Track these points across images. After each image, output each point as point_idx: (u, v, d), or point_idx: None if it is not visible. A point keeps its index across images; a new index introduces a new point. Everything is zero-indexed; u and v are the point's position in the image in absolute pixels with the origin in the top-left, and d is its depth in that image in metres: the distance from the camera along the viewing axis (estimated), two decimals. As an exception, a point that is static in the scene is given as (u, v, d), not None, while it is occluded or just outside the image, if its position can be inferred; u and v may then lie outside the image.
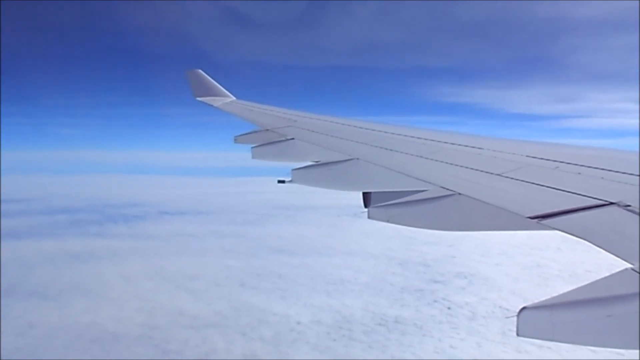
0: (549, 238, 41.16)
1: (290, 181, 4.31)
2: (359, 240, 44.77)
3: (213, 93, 8.53)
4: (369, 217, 3.20)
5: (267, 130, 5.94)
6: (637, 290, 1.73)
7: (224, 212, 63.52)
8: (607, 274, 1.92)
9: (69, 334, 24.51)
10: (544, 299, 1.83)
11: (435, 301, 29.33)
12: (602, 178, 3.07)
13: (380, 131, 5.49)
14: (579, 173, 3.23)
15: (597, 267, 32.90)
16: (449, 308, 28.19)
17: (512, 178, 3.28)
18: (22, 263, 37.61)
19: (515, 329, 1.85)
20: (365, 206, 3.89)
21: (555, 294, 1.86)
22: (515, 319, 1.79)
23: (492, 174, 3.43)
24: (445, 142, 4.65)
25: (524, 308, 1.80)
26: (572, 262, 36.05)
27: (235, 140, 5.99)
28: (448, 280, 33.15)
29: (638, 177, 2.95)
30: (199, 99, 8.41)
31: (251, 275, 34.70)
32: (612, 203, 2.53)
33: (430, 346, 23.53)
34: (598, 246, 2.12)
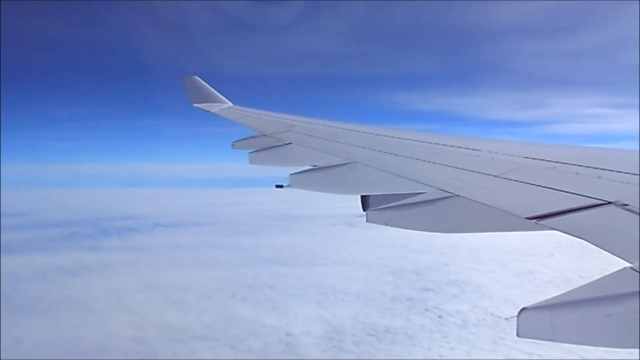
0: (542, 244, 41.18)
1: (288, 186, 4.27)
2: (352, 249, 44.61)
3: (210, 99, 8.52)
4: (367, 221, 3.18)
5: (265, 135, 5.94)
6: (637, 289, 1.72)
7: (219, 223, 63.29)
8: None
9: (55, 349, 24.25)
10: (543, 299, 1.83)
11: (426, 310, 29.13)
12: (600, 178, 3.07)
13: (377, 134, 5.51)
14: (577, 173, 3.24)
15: (589, 272, 32.71)
16: (440, 317, 27.99)
17: (509, 179, 3.29)
18: (13, 277, 37.28)
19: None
20: (364, 209, 3.84)
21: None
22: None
23: (489, 175, 3.45)
24: (443, 145, 4.65)
25: (523, 309, 1.80)
26: (564, 267, 35.94)
27: (233, 146, 5.95)
28: (440, 289, 32.96)
29: (635, 177, 2.94)
30: (196, 105, 8.38)
31: (243, 287, 34.47)
32: (609, 202, 2.54)
33: (419, 355, 23.31)
34: (596, 245, 2.11)
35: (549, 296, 1.88)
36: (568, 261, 37.23)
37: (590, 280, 1.88)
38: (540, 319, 1.78)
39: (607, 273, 1.91)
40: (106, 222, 64.83)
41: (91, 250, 48.22)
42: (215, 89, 8.93)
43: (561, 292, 1.86)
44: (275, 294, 32.66)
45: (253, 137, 6.04)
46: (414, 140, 4.97)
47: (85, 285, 35.80)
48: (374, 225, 3.18)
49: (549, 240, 39.30)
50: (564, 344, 1.84)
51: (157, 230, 58.95)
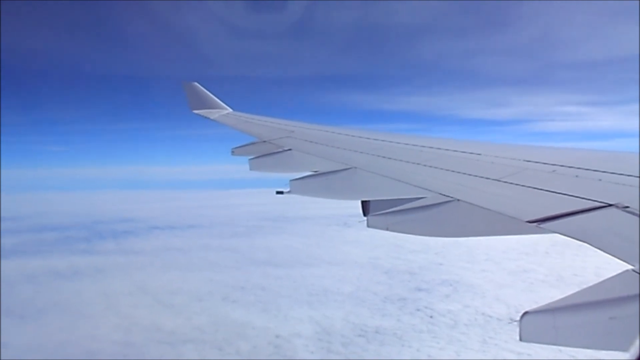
0: (537, 242, 40.97)
1: (288, 192, 4.29)
2: (346, 250, 44.45)
3: (210, 105, 8.52)
4: (368, 226, 3.19)
5: (265, 141, 5.94)
6: (639, 292, 1.72)
7: (215, 225, 63.16)
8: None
9: (41, 354, 24.10)
10: (545, 303, 1.82)
11: (417, 310, 28.93)
12: (600, 180, 3.05)
13: (377, 140, 5.51)
14: (577, 176, 3.23)
15: (584, 271, 32.51)
16: (430, 317, 27.78)
17: (510, 183, 3.30)
18: (6, 281, 37.11)
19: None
20: (364, 215, 3.84)
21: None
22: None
23: (490, 179, 3.46)
24: (443, 149, 4.64)
25: (526, 312, 1.80)
26: (559, 266, 35.74)
27: (233, 153, 5.96)
28: (432, 288, 32.75)
29: (636, 179, 2.93)
30: (195, 111, 8.38)
31: (234, 289, 34.31)
32: (610, 205, 2.53)
33: (407, 356, 23.12)
34: (598, 248, 2.09)
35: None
36: (563, 260, 37.05)
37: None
38: (543, 322, 1.79)
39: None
40: (102, 225, 64.77)
41: (85, 253, 48.10)
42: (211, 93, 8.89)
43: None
44: (266, 295, 32.49)
45: (253, 143, 6.05)
46: (414, 145, 4.97)
47: (77, 289, 35.67)
48: None
49: (544, 240, 39.07)
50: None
51: (153, 233, 58.83)
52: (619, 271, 1.89)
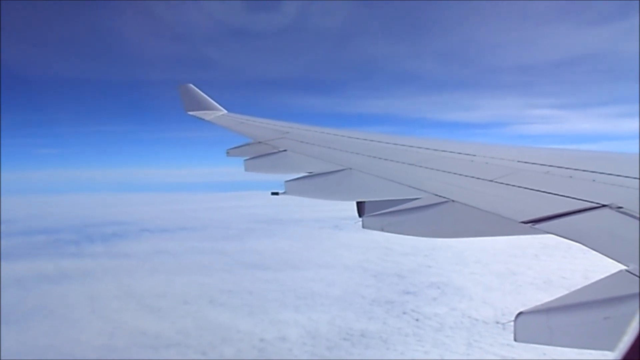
0: (527, 245, 40.92)
1: (284, 193, 4.29)
2: (337, 253, 44.30)
3: (204, 107, 8.57)
4: (363, 227, 3.20)
5: (260, 142, 5.97)
6: (633, 292, 1.72)
7: (206, 228, 62.89)
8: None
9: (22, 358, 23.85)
10: (539, 303, 1.81)
11: (404, 313, 28.80)
12: (594, 181, 3.06)
13: (372, 141, 5.57)
14: (570, 176, 3.24)
15: (572, 273, 32.50)
16: (417, 320, 27.66)
17: (504, 183, 3.32)
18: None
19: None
20: (360, 215, 3.84)
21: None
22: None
23: (484, 180, 3.46)
24: (438, 150, 4.66)
25: (520, 313, 1.80)
26: (547, 269, 35.73)
27: (228, 154, 5.98)
28: (420, 291, 32.65)
29: (629, 179, 2.95)
30: (190, 113, 8.44)
31: (222, 292, 34.11)
32: (604, 205, 2.55)
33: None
34: (592, 249, 2.10)
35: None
36: (551, 262, 37.07)
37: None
38: (537, 323, 1.79)
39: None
40: (92, 228, 64.38)
41: (74, 257, 47.75)
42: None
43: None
44: (253, 299, 32.30)
45: (248, 144, 6.07)
46: (409, 146, 4.99)
47: (64, 292, 35.37)
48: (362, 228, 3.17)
49: (534, 242, 39.04)
50: (538, 346, 1.79)
51: (143, 236, 58.52)
52: (609, 273, 1.89)
